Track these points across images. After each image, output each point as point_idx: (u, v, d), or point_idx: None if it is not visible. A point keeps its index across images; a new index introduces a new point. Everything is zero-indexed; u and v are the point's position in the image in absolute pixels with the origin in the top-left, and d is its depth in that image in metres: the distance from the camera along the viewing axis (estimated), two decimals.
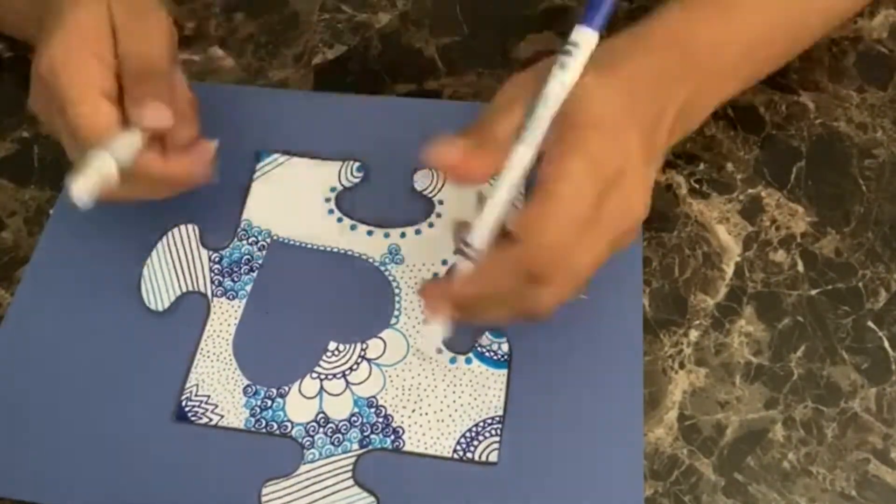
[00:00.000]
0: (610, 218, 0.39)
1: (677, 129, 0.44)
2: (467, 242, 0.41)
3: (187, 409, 0.49)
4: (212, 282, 0.53)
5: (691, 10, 0.46)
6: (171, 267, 0.54)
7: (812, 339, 0.50)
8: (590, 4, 0.37)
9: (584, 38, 0.39)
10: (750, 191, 0.55)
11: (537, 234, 0.39)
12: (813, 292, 0.51)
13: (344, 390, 0.49)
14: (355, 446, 0.48)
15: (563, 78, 0.39)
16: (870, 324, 0.50)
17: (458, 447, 0.47)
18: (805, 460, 0.47)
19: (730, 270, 0.52)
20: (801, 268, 0.52)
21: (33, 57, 0.47)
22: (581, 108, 0.39)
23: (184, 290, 0.53)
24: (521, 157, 0.40)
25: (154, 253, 0.54)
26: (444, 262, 0.53)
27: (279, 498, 0.46)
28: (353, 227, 0.55)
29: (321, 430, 0.48)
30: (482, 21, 0.64)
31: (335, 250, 0.54)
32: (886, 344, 0.50)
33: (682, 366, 0.50)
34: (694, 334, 0.50)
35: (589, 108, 0.39)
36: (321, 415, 0.49)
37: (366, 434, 0.48)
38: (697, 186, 0.55)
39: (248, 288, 0.53)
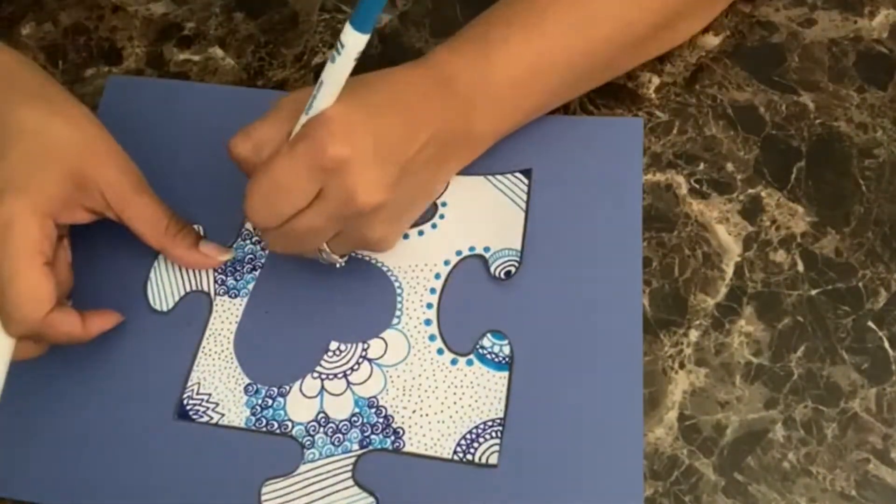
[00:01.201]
0: (330, 197, 0.44)
1: (448, 150, 0.50)
2: None
3: (188, 407, 0.49)
4: (215, 280, 0.53)
5: (456, 50, 0.51)
6: (176, 267, 0.54)
7: (812, 339, 0.50)
8: (358, 8, 0.40)
9: (352, 40, 0.41)
10: (750, 191, 0.55)
11: (249, 192, 0.44)
12: (813, 292, 0.51)
13: (345, 390, 0.49)
14: (355, 446, 0.48)
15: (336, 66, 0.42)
16: (870, 324, 0.50)
17: (459, 449, 0.47)
18: (805, 460, 0.47)
19: (730, 270, 0.52)
20: (801, 268, 0.52)
21: None
22: (321, 114, 0.43)
23: (188, 289, 0.53)
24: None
25: (160, 256, 0.54)
26: (447, 263, 0.53)
27: (279, 497, 0.47)
28: None
29: (321, 429, 0.48)
30: None
31: None
32: (886, 344, 0.50)
33: (682, 366, 0.50)
34: (694, 334, 0.50)
35: (327, 111, 0.43)
36: (322, 414, 0.49)
37: (366, 434, 0.48)
38: (697, 186, 0.55)
39: (251, 287, 0.53)
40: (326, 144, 0.42)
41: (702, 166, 0.56)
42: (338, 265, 0.50)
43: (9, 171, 0.46)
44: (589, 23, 0.51)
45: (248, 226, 0.55)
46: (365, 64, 0.62)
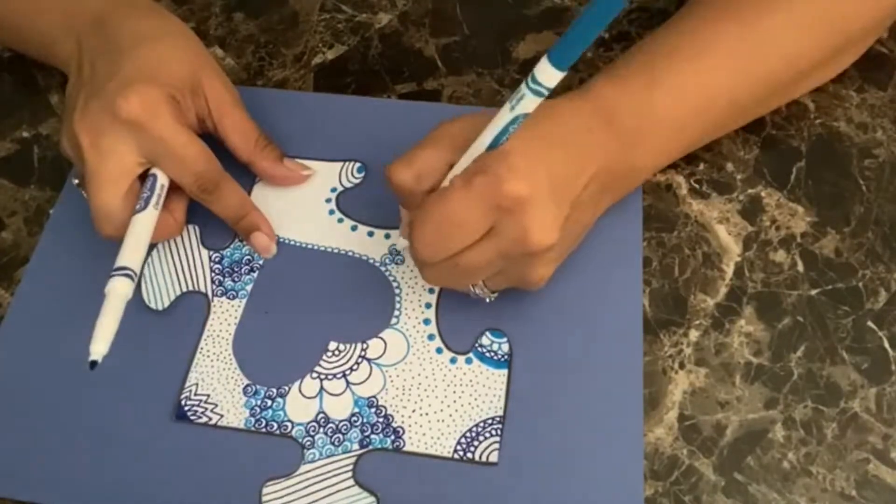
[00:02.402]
0: (503, 235, 0.43)
1: (608, 188, 0.48)
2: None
3: (187, 408, 0.49)
4: (212, 281, 0.53)
5: (620, 82, 0.49)
6: (172, 266, 0.54)
7: (812, 339, 0.50)
8: (560, 42, 0.38)
9: (547, 76, 0.39)
10: (750, 191, 0.55)
11: (419, 224, 0.43)
12: (813, 292, 0.51)
13: (344, 390, 0.49)
14: (355, 446, 0.48)
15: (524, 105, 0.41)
16: (870, 324, 0.50)
17: (459, 447, 0.47)
18: (805, 460, 0.47)
19: (730, 270, 0.52)
20: (801, 268, 0.52)
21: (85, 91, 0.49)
22: (502, 145, 0.42)
23: (184, 289, 0.53)
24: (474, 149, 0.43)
25: (155, 252, 0.54)
26: None
27: (279, 498, 0.46)
28: (353, 228, 0.55)
29: (321, 429, 0.48)
30: (482, 21, 0.64)
31: (336, 251, 0.54)
32: (886, 344, 0.50)
33: (682, 366, 0.50)
34: (694, 334, 0.50)
35: (507, 144, 0.42)
36: (321, 415, 0.49)
37: (366, 434, 0.48)
38: (697, 186, 0.55)
39: (249, 288, 0.53)
40: (505, 181, 0.41)
41: (702, 166, 0.56)
42: (488, 300, 0.49)
43: (136, 66, 0.49)
44: (756, 57, 0.50)
45: None
46: (365, 64, 0.63)
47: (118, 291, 0.46)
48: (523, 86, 0.39)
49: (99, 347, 0.44)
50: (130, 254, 0.47)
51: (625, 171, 0.49)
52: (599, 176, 0.46)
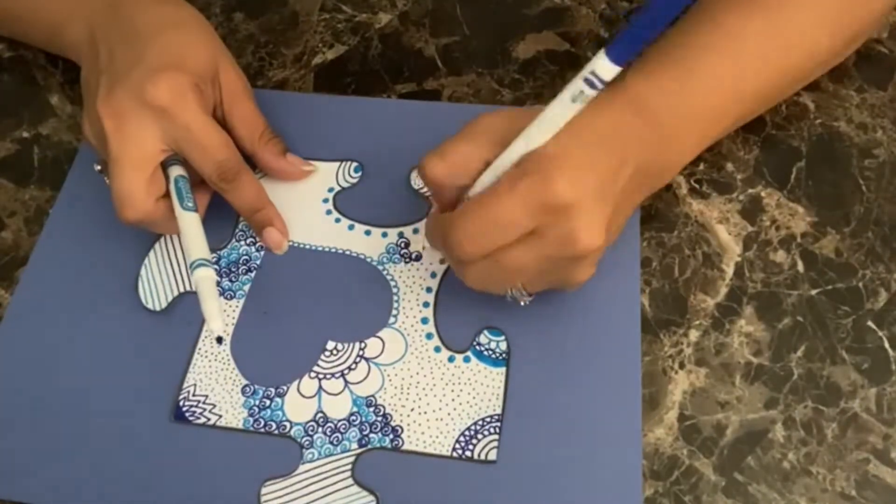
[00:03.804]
0: (549, 237, 0.42)
1: (642, 184, 0.48)
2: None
3: (185, 409, 0.49)
4: None
5: (651, 77, 0.48)
6: (169, 267, 0.54)
7: (812, 339, 0.50)
8: (623, 38, 0.37)
9: (604, 70, 0.38)
10: (750, 191, 0.55)
11: (462, 218, 0.43)
12: (813, 292, 0.51)
13: (343, 390, 0.49)
14: (354, 445, 0.48)
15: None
16: (870, 324, 0.50)
17: (458, 445, 0.47)
18: (805, 460, 0.47)
19: (730, 270, 0.52)
20: (801, 268, 0.52)
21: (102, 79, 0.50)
22: (543, 149, 0.42)
23: (181, 290, 0.53)
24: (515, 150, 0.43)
25: (151, 253, 0.54)
26: (442, 261, 0.53)
27: (279, 498, 0.46)
28: (350, 227, 0.55)
29: (320, 429, 0.48)
30: (482, 21, 0.64)
31: (333, 250, 0.54)
32: (886, 344, 0.49)
33: (682, 366, 0.49)
34: (694, 334, 0.50)
35: (552, 145, 0.42)
36: (320, 414, 0.49)
37: (365, 433, 0.48)
38: (697, 186, 0.55)
39: (246, 288, 0.53)
40: (553, 184, 0.41)
41: (702, 166, 0.56)
42: (523, 303, 0.48)
43: (161, 53, 0.50)
44: (781, 50, 0.51)
45: (243, 226, 0.55)
46: (365, 64, 0.63)
47: (206, 277, 0.48)
48: (580, 82, 0.38)
49: (216, 325, 0.47)
50: (196, 247, 0.49)
51: (660, 166, 0.49)
52: (638, 172, 0.46)
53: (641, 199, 0.51)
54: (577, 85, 0.38)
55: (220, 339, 0.47)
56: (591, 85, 0.38)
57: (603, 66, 0.37)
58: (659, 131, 0.47)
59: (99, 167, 0.52)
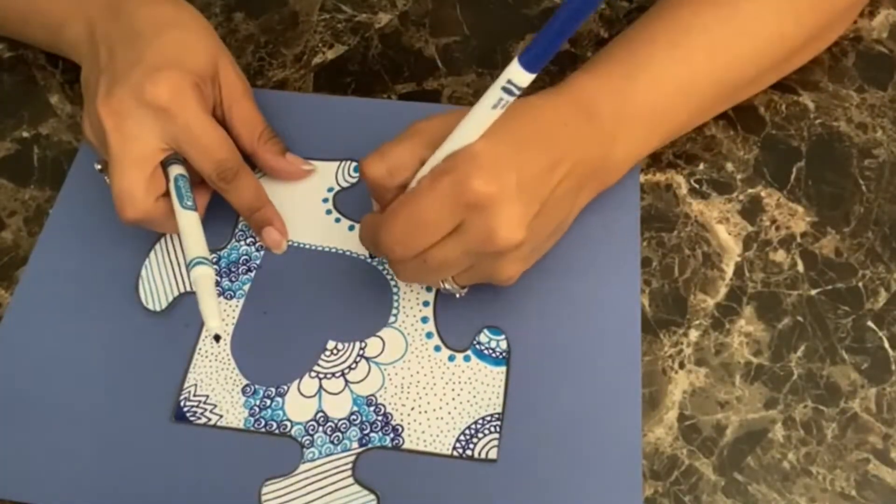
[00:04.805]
0: (469, 233, 0.43)
1: (585, 181, 0.48)
2: None
3: (186, 409, 0.49)
4: None
5: (597, 75, 0.49)
6: (169, 267, 0.54)
7: (812, 339, 0.50)
8: (534, 47, 0.37)
9: (518, 77, 0.38)
10: (750, 191, 0.55)
11: (386, 222, 0.44)
12: (813, 292, 0.51)
13: (343, 389, 0.49)
14: (355, 445, 0.48)
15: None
16: (870, 324, 0.50)
17: (458, 444, 0.47)
18: (805, 460, 0.47)
19: (730, 270, 0.52)
20: (801, 268, 0.52)
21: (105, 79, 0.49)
22: (467, 147, 0.43)
23: (181, 290, 0.53)
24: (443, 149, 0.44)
25: (152, 254, 0.54)
26: None
27: (279, 497, 0.46)
28: (350, 227, 0.55)
29: (321, 428, 0.48)
30: (482, 21, 0.64)
31: (333, 250, 0.54)
32: (886, 344, 0.50)
33: (682, 366, 0.49)
34: (694, 334, 0.50)
35: (474, 145, 0.42)
36: (320, 413, 0.49)
37: (365, 432, 0.48)
38: (697, 186, 0.55)
39: (246, 288, 0.53)
40: (472, 180, 0.41)
41: (702, 166, 0.56)
42: (458, 295, 0.49)
43: (161, 52, 0.50)
44: (738, 39, 0.51)
45: (243, 226, 0.55)
46: (365, 64, 0.63)
47: (204, 275, 0.48)
48: (498, 90, 0.39)
49: (213, 323, 0.46)
50: (195, 246, 0.49)
51: (604, 163, 0.49)
52: (576, 170, 0.46)
53: (588, 196, 0.51)
54: (495, 93, 0.39)
55: (217, 338, 0.48)
56: (510, 92, 0.39)
57: (517, 73, 0.37)
58: (603, 129, 0.48)
59: (99, 166, 0.52)
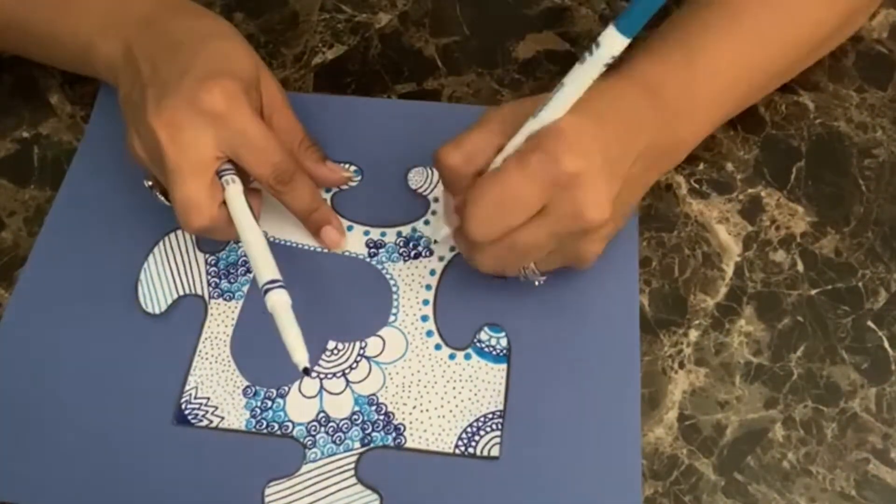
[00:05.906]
0: (557, 212, 0.43)
1: (655, 163, 0.49)
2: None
3: (187, 411, 0.49)
4: (208, 284, 0.53)
5: (658, 58, 0.50)
6: (168, 270, 0.54)
7: (812, 339, 0.50)
8: (629, 9, 0.38)
9: (612, 42, 0.39)
10: (750, 191, 0.55)
11: (473, 203, 0.44)
12: (813, 292, 0.51)
13: (344, 389, 0.49)
14: (357, 444, 0.48)
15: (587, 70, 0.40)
16: (870, 324, 0.50)
17: (460, 442, 0.47)
18: (805, 460, 0.47)
19: (730, 270, 0.52)
20: (800, 268, 0.52)
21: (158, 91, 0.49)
22: (552, 124, 0.43)
23: (181, 293, 0.53)
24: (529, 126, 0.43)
25: (151, 256, 0.54)
26: (441, 259, 0.53)
27: (282, 498, 0.46)
28: (349, 228, 0.55)
29: (322, 429, 0.48)
30: (482, 21, 0.64)
31: (332, 250, 0.54)
32: (886, 344, 0.50)
33: (681, 366, 0.49)
34: (694, 334, 0.50)
35: (560, 122, 0.42)
36: (322, 414, 0.49)
37: (367, 432, 0.48)
38: (697, 186, 0.55)
39: (245, 289, 0.53)
40: (561, 157, 0.41)
41: (702, 166, 0.56)
42: (537, 283, 0.49)
43: (208, 61, 0.49)
44: (784, 25, 0.52)
45: None
46: (365, 64, 0.63)
47: (281, 302, 0.46)
48: (587, 56, 0.39)
49: (299, 356, 0.44)
50: (265, 267, 0.47)
51: (670, 145, 0.50)
52: (647, 152, 0.46)
53: (655, 178, 0.52)
54: (593, 63, 0.39)
55: (307, 371, 0.44)
56: (592, 52, 0.39)
57: (614, 39, 0.38)
58: (668, 112, 0.48)
59: (149, 183, 0.52)
